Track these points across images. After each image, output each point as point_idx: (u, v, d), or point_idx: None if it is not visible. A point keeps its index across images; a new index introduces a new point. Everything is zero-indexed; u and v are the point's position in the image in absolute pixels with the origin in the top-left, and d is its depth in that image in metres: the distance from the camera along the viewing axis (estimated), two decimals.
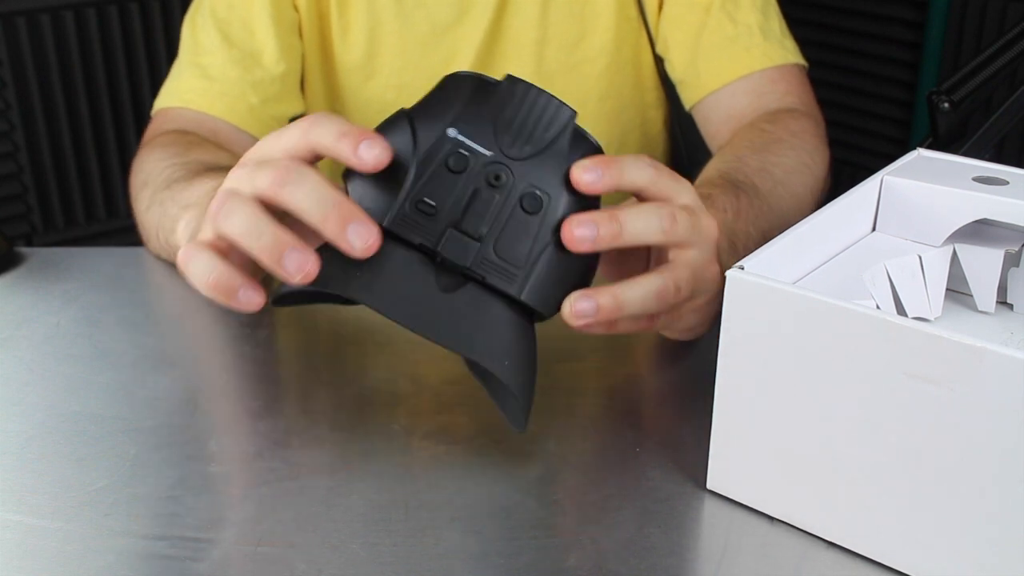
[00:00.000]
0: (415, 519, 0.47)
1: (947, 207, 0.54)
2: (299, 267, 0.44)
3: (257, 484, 0.49)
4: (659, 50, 0.91)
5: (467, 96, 0.47)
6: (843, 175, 1.78)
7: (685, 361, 0.60)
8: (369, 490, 0.49)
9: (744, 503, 0.48)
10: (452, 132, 0.46)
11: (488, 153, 0.46)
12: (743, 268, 0.44)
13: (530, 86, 0.47)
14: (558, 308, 0.47)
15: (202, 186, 0.63)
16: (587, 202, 0.47)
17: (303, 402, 0.55)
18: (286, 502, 0.48)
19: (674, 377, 0.59)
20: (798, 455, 0.45)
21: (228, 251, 0.47)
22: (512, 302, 0.46)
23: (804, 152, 0.77)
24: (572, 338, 0.62)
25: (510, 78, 0.47)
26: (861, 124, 1.73)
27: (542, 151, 0.46)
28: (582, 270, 0.48)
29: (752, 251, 0.46)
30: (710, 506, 0.48)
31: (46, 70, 1.69)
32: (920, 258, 0.53)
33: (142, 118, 1.82)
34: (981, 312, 0.53)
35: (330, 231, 0.44)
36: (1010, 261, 0.53)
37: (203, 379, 0.58)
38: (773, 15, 0.89)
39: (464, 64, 0.90)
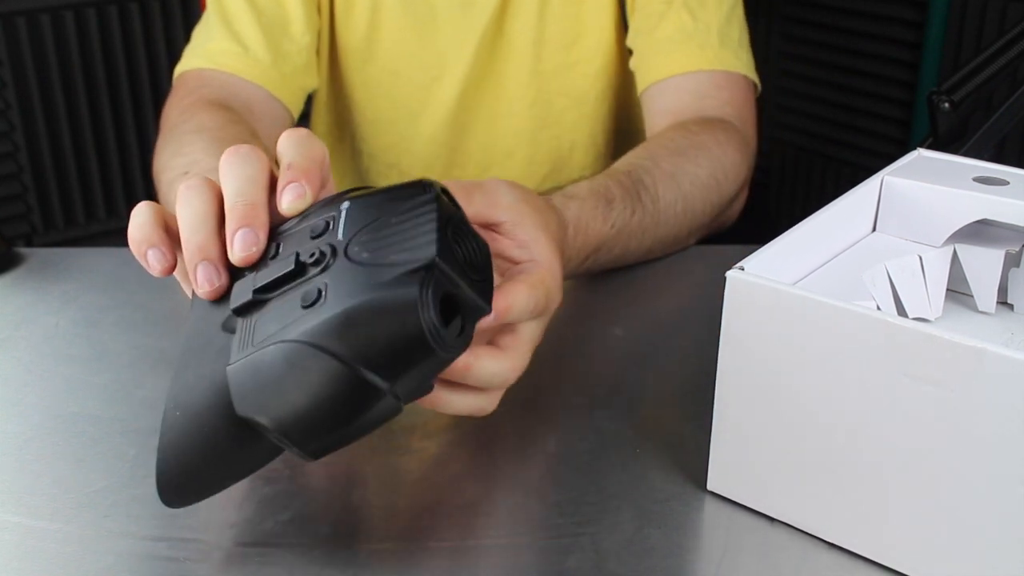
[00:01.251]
0: (415, 519, 0.47)
1: (947, 207, 0.54)
2: (205, 278, 0.44)
3: (256, 485, 0.49)
4: (628, 42, 0.90)
5: (399, 191, 0.44)
6: (843, 175, 1.78)
7: (685, 361, 0.60)
8: (369, 490, 0.49)
9: (744, 504, 0.47)
10: (344, 204, 0.44)
11: (340, 238, 0.42)
12: (743, 268, 0.44)
13: (436, 212, 0.42)
14: (258, 411, 0.40)
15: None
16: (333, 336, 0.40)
17: None
18: (286, 503, 0.47)
19: (674, 377, 0.59)
20: (798, 456, 0.44)
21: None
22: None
23: (720, 166, 0.76)
24: (572, 338, 0.62)
25: (436, 193, 0.43)
26: (861, 124, 1.73)
27: (367, 266, 0.41)
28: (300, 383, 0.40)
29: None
30: (710, 506, 0.48)
31: (46, 70, 1.69)
32: (920, 258, 0.53)
33: (142, 118, 1.82)
34: (981, 312, 0.53)
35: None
36: (1010, 261, 0.53)
37: None
38: (736, 24, 0.88)
39: (460, 58, 0.90)
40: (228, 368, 0.40)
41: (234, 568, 0.44)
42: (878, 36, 1.68)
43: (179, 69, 0.86)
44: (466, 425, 0.54)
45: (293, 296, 0.41)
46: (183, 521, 0.46)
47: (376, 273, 0.40)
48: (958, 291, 0.55)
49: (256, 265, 0.44)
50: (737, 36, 0.87)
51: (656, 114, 0.85)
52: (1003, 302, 0.54)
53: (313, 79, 0.90)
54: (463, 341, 0.42)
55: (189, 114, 0.78)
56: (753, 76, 0.87)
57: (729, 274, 0.44)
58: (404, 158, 0.95)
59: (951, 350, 0.39)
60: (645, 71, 0.87)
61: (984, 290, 0.53)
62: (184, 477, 0.42)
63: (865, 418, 0.42)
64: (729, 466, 0.47)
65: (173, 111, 0.80)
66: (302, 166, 0.46)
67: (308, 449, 0.41)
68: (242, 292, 0.43)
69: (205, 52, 0.85)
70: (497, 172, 0.94)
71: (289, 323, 0.40)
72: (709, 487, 0.48)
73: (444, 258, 0.40)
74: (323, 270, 0.41)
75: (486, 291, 0.44)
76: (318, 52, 0.92)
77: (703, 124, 0.79)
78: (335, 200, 0.45)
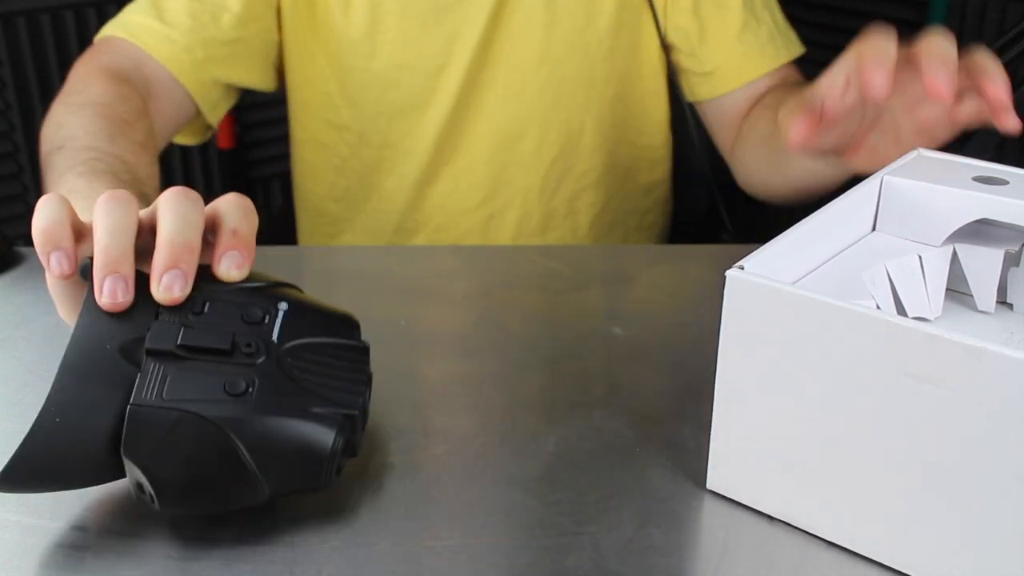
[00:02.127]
0: (415, 519, 0.47)
1: (947, 207, 0.54)
2: (111, 290, 0.43)
3: None
4: (672, 39, 0.94)
5: (337, 324, 0.48)
6: None
7: (685, 361, 0.60)
8: (368, 490, 0.49)
9: (744, 503, 0.47)
10: (282, 305, 0.46)
11: (274, 339, 0.45)
12: (743, 268, 0.44)
13: (367, 369, 0.48)
14: (143, 461, 0.42)
15: (98, 188, 0.62)
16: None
17: None
18: (285, 503, 0.47)
19: (674, 377, 0.59)
20: (798, 455, 0.44)
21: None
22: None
23: None
24: (572, 338, 0.62)
25: (368, 349, 0.48)
26: None
27: (297, 387, 0.44)
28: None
29: None
30: (710, 506, 0.48)
31: (46, 70, 1.69)
32: (920, 258, 0.53)
33: None
34: (981, 312, 0.53)
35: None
36: (1010, 261, 0.53)
37: None
38: (776, 5, 0.97)
39: (464, 48, 0.91)
40: (130, 408, 0.42)
41: (234, 567, 0.44)
42: None
43: (99, 34, 0.87)
44: (466, 425, 0.54)
45: (217, 373, 0.43)
46: (183, 520, 0.46)
47: (303, 399, 0.44)
48: (958, 291, 0.55)
49: (175, 310, 0.44)
50: (781, 17, 0.97)
51: (744, 108, 0.94)
52: (1003, 302, 0.54)
53: (237, 75, 0.90)
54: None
55: (83, 84, 0.79)
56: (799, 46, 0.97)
57: (729, 273, 0.44)
58: (416, 145, 0.95)
59: (950, 349, 0.39)
60: (734, 73, 0.93)
61: (984, 290, 0.53)
62: (36, 476, 0.43)
63: (864, 417, 0.42)
64: (729, 466, 0.47)
65: (74, 75, 0.81)
66: (246, 237, 0.46)
67: (166, 506, 0.43)
68: (163, 336, 0.43)
69: (125, 22, 0.86)
70: (507, 155, 0.95)
71: (207, 399, 0.42)
72: (709, 486, 0.48)
73: (361, 412, 0.45)
74: (252, 364, 0.44)
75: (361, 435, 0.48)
76: (303, 53, 0.92)
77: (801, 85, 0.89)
78: (268, 290, 0.47)
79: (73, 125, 0.73)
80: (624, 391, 0.57)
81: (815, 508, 0.45)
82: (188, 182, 1.95)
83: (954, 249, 0.53)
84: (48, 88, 1.69)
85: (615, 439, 0.53)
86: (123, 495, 0.48)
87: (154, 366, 0.42)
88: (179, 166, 1.95)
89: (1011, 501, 0.39)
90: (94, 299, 0.44)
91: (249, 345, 0.44)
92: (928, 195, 0.54)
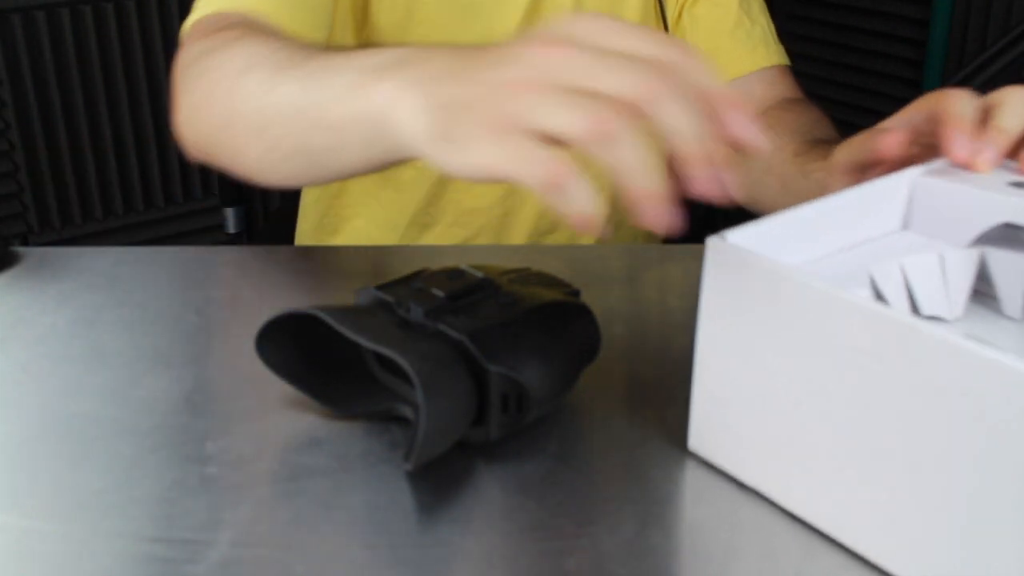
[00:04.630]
0: (414, 520, 0.47)
1: (977, 208, 0.53)
2: (660, 215, 0.40)
3: (255, 486, 0.49)
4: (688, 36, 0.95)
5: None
6: None
7: (686, 360, 0.60)
8: (368, 491, 0.48)
9: (721, 468, 0.49)
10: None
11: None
12: (724, 238, 0.46)
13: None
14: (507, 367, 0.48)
15: (382, 53, 0.52)
16: None
17: (301, 403, 0.54)
18: (284, 504, 0.47)
19: (675, 376, 0.59)
20: (769, 426, 0.46)
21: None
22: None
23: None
24: None
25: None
26: (865, 122, 1.72)
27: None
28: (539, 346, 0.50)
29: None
30: (710, 507, 0.48)
31: (42, 68, 1.69)
32: (942, 257, 0.52)
33: (139, 117, 1.81)
34: (1007, 317, 0.53)
35: (688, 166, 0.41)
36: None
37: (200, 380, 0.58)
38: (767, 19, 0.98)
39: (501, 41, 0.89)
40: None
41: (231, 569, 0.43)
42: (882, 34, 1.68)
43: (191, 19, 0.73)
44: None
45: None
46: (180, 522, 0.46)
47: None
48: (987, 294, 0.54)
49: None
50: (772, 29, 0.98)
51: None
52: None
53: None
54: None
55: (219, 35, 0.65)
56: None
57: (709, 240, 0.46)
58: None
59: (886, 324, 0.40)
60: (724, 67, 0.93)
61: (1010, 294, 0.52)
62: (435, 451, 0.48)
63: (818, 391, 0.43)
64: (708, 429, 0.49)
65: (192, 48, 0.67)
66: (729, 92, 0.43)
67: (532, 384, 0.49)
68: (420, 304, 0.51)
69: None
70: None
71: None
72: (689, 447, 0.50)
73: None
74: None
75: None
76: (337, 36, 0.90)
77: (798, 102, 0.92)
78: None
79: (250, 53, 0.60)
80: (624, 391, 0.57)
81: (783, 479, 0.46)
82: (185, 180, 1.95)
83: (982, 252, 0.53)
84: (44, 86, 1.69)
85: (615, 439, 0.52)
86: (120, 495, 0.48)
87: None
88: (177, 165, 1.95)
89: (944, 475, 0.40)
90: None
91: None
92: (958, 196, 0.54)
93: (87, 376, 0.58)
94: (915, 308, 0.51)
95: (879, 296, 0.51)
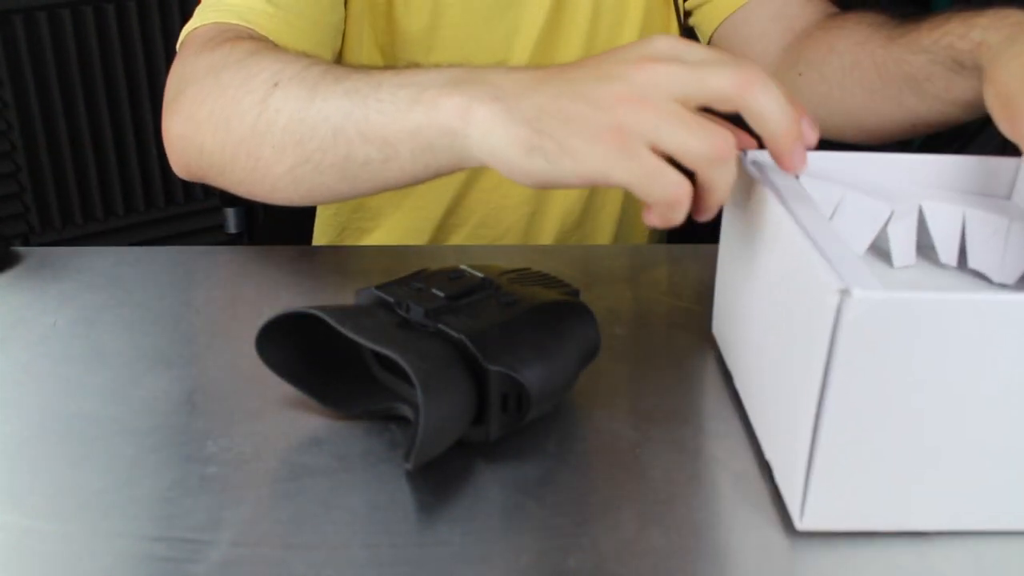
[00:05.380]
0: (414, 520, 0.47)
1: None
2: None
3: (255, 485, 0.49)
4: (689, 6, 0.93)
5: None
6: None
7: (685, 361, 0.60)
8: (368, 491, 0.48)
9: (851, 530, 0.46)
10: None
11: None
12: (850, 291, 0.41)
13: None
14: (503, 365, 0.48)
15: (442, 72, 0.53)
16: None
17: (301, 403, 0.54)
18: (284, 503, 0.47)
19: (674, 377, 0.59)
20: (917, 459, 0.43)
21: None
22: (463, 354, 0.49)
23: None
24: None
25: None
26: None
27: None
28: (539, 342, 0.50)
29: None
30: (710, 507, 0.48)
31: (43, 69, 1.69)
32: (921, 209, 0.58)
33: (140, 117, 1.81)
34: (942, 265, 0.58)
35: (783, 143, 0.47)
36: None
37: (201, 380, 0.58)
38: None
39: (526, 42, 0.90)
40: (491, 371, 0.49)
41: (231, 569, 0.43)
42: None
43: (189, 27, 0.72)
44: None
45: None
46: (182, 522, 0.46)
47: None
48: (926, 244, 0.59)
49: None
50: None
51: (767, 20, 0.89)
52: None
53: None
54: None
55: (229, 48, 0.64)
56: None
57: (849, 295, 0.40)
58: None
59: None
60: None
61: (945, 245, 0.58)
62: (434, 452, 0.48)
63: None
64: (832, 497, 0.44)
65: (196, 59, 0.66)
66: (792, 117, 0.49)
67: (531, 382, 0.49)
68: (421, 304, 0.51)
69: (234, 7, 0.72)
70: None
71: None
72: (801, 528, 0.45)
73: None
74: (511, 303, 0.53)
75: None
76: (358, 45, 0.89)
77: (848, 11, 0.85)
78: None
79: (274, 68, 0.60)
80: (624, 391, 0.57)
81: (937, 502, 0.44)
82: (186, 181, 1.95)
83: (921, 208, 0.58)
84: (45, 87, 1.69)
85: (615, 440, 0.52)
86: (121, 495, 0.48)
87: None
88: None
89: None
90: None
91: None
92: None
93: (87, 376, 0.58)
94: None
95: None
